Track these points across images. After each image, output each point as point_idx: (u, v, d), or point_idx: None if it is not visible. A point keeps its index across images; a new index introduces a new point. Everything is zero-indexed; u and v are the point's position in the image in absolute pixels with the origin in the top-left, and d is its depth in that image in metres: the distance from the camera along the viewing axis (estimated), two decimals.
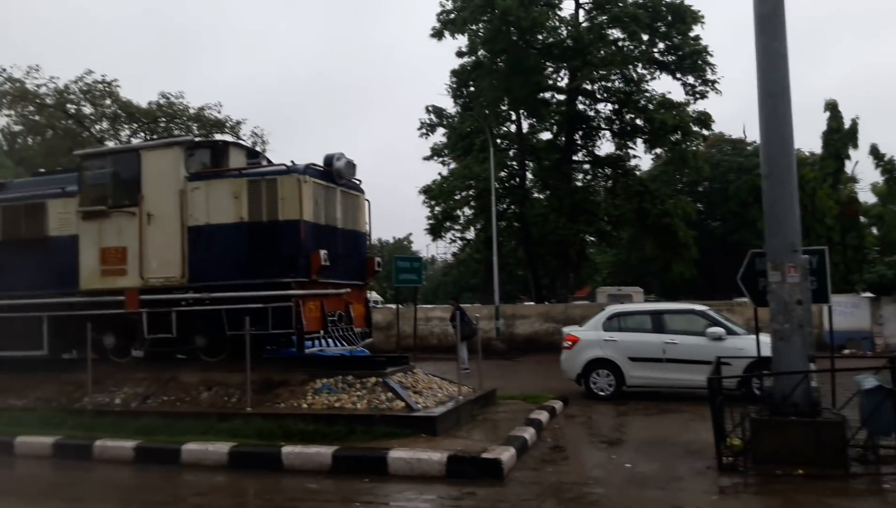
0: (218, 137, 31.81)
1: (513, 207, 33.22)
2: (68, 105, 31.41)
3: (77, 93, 31.27)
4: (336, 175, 11.04)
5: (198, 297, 10.67)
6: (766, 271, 8.02)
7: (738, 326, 13.46)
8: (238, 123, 33.09)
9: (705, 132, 31.81)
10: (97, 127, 32.81)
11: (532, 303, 32.50)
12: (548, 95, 32.51)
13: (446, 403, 9.88)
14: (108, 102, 31.94)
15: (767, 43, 8.15)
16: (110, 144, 31.83)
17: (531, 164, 34.30)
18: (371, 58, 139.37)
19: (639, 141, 32.35)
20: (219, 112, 32.79)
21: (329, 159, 10.94)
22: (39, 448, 9.24)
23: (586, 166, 34.20)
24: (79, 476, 8.38)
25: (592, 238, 34.51)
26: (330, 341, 10.80)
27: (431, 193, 33.37)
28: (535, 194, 34.44)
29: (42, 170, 16.18)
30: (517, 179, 33.70)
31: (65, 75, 36.61)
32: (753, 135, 44.85)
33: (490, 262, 27.77)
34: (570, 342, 13.88)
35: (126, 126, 32.82)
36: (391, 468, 7.70)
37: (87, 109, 32.18)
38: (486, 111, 31.10)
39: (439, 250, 70.72)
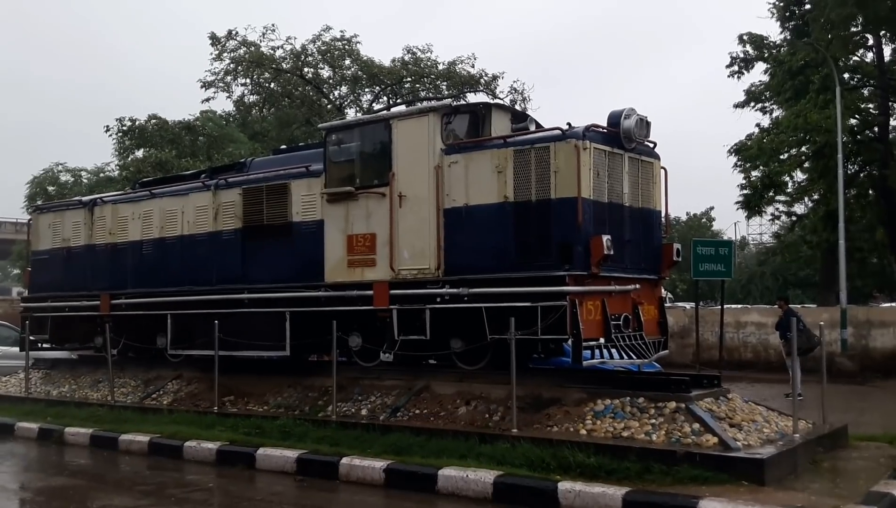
0: (471, 97, 33.75)
1: (868, 168, 31.80)
2: (305, 69, 35.04)
3: (315, 54, 34.78)
4: (624, 138, 11.20)
5: (455, 292, 11.39)
6: None
7: None
8: (494, 77, 34.82)
9: None
10: (335, 93, 36.27)
11: (894, 305, 30.14)
12: None
13: (775, 442, 9.62)
14: (347, 62, 35.10)
15: None
16: (350, 112, 35.19)
17: None
18: None
19: None
20: (472, 66, 34.60)
21: (616, 118, 11.11)
22: (282, 463, 10.50)
23: None
24: (327, 499, 9.39)
25: None
26: (613, 351, 10.96)
27: (747, 152, 32.47)
28: None
29: (283, 147, 18.18)
30: (875, 130, 31.64)
31: (301, 35, 40.57)
32: None
33: (832, 246, 26.88)
34: None
35: (367, 89, 35.86)
36: None
37: (325, 73, 35.65)
38: (829, 35, 28.94)
39: (753, 229, 67.40)
